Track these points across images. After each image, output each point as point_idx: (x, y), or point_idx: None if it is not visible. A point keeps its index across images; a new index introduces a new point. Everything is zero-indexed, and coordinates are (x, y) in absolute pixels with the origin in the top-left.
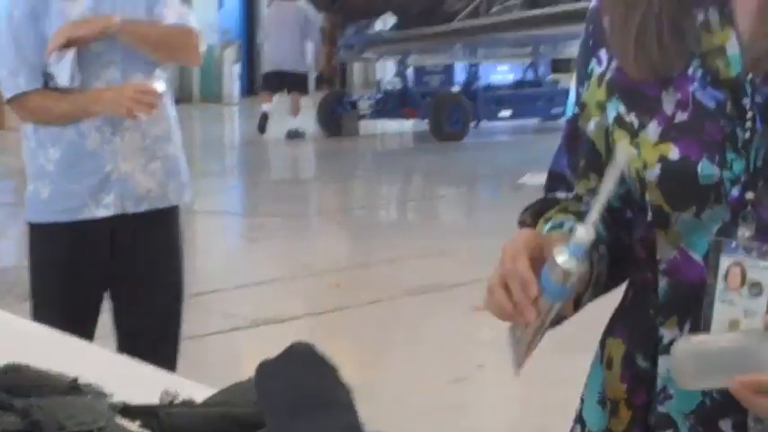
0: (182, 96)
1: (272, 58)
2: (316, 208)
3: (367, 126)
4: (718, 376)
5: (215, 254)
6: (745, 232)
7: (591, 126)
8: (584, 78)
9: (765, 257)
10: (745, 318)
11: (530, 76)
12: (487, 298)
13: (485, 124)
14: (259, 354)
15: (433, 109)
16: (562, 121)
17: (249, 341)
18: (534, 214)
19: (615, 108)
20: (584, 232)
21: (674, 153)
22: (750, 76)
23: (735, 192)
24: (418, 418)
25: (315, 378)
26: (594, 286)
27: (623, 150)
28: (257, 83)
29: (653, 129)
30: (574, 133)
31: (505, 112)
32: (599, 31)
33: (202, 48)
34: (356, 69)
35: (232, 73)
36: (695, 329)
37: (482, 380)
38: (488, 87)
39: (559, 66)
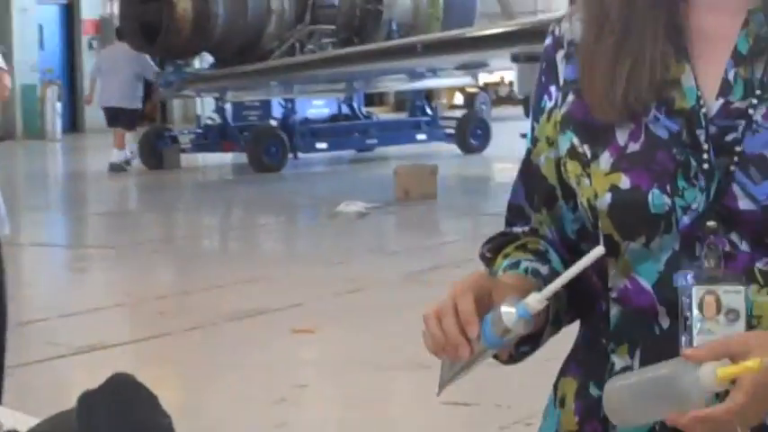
0: (5, 134)
1: (103, 95)
2: (139, 238)
3: (188, 159)
4: (648, 409)
5: (41, 284)
6: (711, 260)
7: (542, 160)
8: (537, 114)
9: (736, 282)
10: None
11: (344, 109)
12: (424, 328)
13: (302, 156)
14: (83, 381)
15: (252, 142)
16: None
17: (74, 369)
18: (494, 249)
19: (569, 140)
20: (536, 302)
21: (624, 183)
22: (704, 108)
23: (686, 220)
24: None
25: (135, 409)
26: (554, 324)
27: (598, 248)
28: (80, 120)
29: (605, 159)
30: (528, 167)
31: (322, 145)
32: (550, 68)
33: (8, 83)
34: (176, 105)
35: (54, 110)
36: (645, 356)
37: (303, 400)
38: (305, 121)
39: (373, 99)
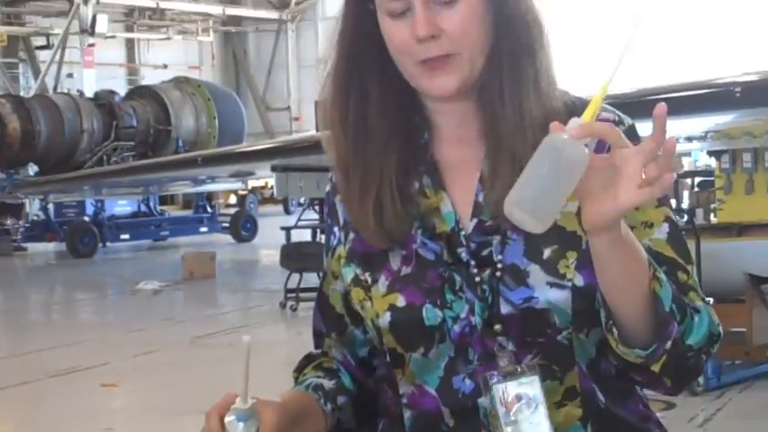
0: None
1: None
2: None
3: (19, 248)
4: (551, 188)
5: None
6: (503, 359)
7: (330, 291)
8: (327, 251)
9: (525, 374)
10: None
11: (143, 208)
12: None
13: (110, 245)
14: None
15: (69, 234)
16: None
17: None
18: (298, 370)
19: (353, 271)
20: (240, 402)
21: (400, 301)
22: (463, 229)
23: (457, 329)
24: None
25: None
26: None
27: (246, 343)
28: None
29: (382, 283)
30: (322, 296)
31: (125, 236)
32: (332, 211)
33: None
34: None
35: None
36: None
37: None
38: (111, 217)
39: (165, 199)
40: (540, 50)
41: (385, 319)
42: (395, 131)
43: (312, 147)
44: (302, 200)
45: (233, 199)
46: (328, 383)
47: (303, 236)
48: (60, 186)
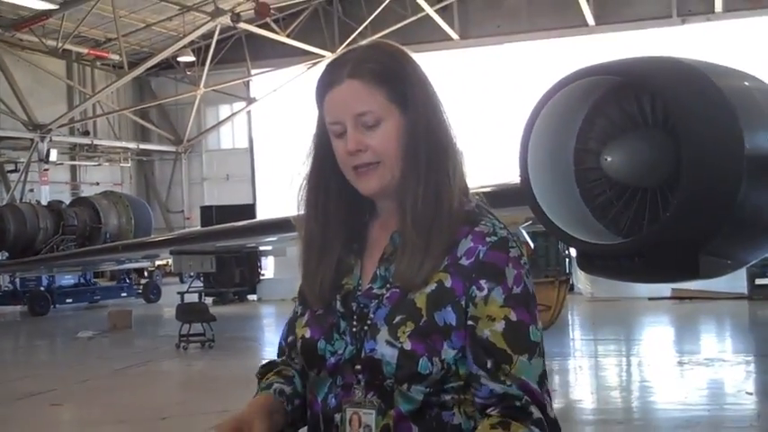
0: None
1: None
2: None
3: None
4: None
5: None
6: (357, 392)
7: (292, 318)
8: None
9: (366, 407)
10: None
11: (82, 280)
12: None
13: (59, 306)
14: None
15: (30, 299)
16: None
17: None
18: (262, 373)
19: (298, 305)
20: None
21: (308, 333)
22: (359, 291)
23: (332, 360)
24: None
25: None
26: (293, 426)
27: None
28: None
29: (304, 318)
30: (293, 315)
31: (69, 300)
32: None
33: None
34: None
35: None
36: None
37: None
38: (60, 287)
39: (98, 274)
40: (444, 163)
41: (299, 344)
42: (345, 216)
43: (198, 237)
44: (191, 273)
45: (145, 273)
46: (287, 389)
47: (192, 298)
48: (23, 267)
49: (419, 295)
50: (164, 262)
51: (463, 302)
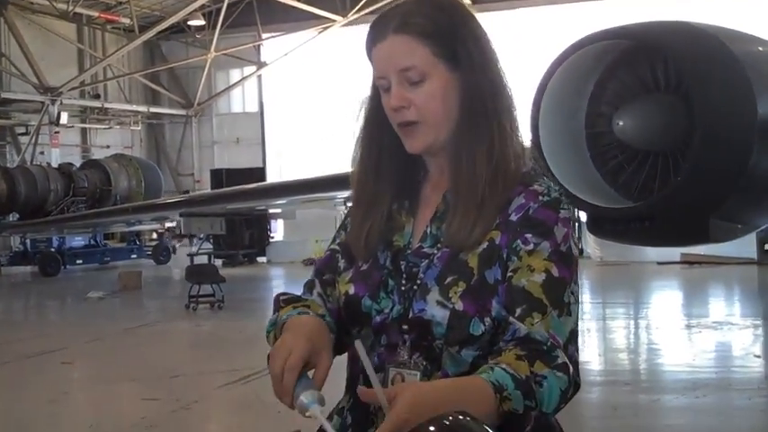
0: None
1: None
2: None
3: (9, 270)
4: None
5: None
6: (402, 353)
7: (327, 258)
8: (341, 230)
9: (410, 368)
10: None
11: (92, 242)
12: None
13: (69, 267)
14: None
15: (41, 260)
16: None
17: None
18: (287, 301)
19: (342, 255)
20: (319, 412)
21: (352, 289)
22: (409, 249)
23: (378, 319)
24: None
25: None
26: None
27: (357, 342)
28: None
29: (347, 273)
30: (332, 250)
31: (80, 261)
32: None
33: None
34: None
35: None
36: (357, 401)
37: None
38: (70, 248)
39: (108, 236)
40: (499, 123)
41: (342, 299)
42: (397, 171)
43: (207, 200)
44: (201, 235)
45: (154, 235)
46: (330, 321)
47: (202, 259)
48: (34, 228)
49: (471, 255)
50: (174, 224)
51: (505, 255)
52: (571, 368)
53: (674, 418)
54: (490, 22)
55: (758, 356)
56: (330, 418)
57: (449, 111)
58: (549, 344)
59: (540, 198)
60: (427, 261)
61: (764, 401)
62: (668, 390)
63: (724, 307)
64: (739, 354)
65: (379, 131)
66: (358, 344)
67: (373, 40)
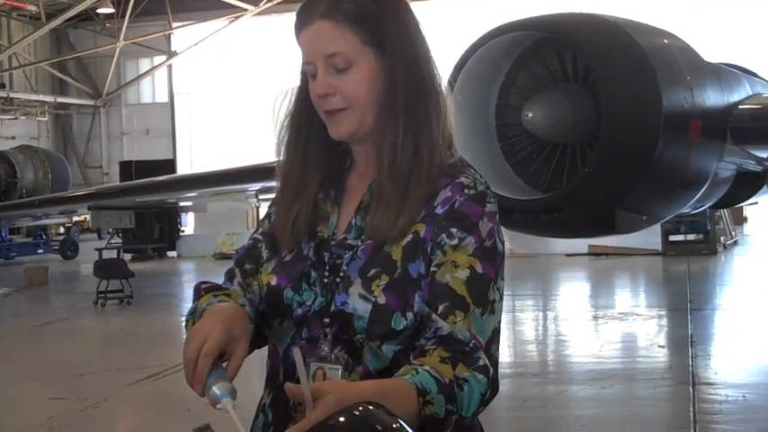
0: None
1: None
2: None
3: None
4: None
5: None
6: (323, 346)
7: (251, 245)
8: (265, 219)
9: (332, 362)
10: None
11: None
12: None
13: None
14: None
15: None
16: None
17: None
18: (208, 289)
19: (265, 245)
20: (231, 406)
21: (274, 280)
22: (334, 240)
23: (299, 311)
24: None
25: None
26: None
27: (296, 350)
28: None
29: (270, 264)
30: (254, 240)
31: None
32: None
33: None
34: None
35: None
36: (275, 395)
37: None
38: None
39: (13, 230)
40: (425, 113)
41: (264, 290)
42: (324, 159)
43: (116, 193)
44: (110, 230)
45: (62, 229)
46: (250, 310)
47: (111, 254)
48: None
49: (395, 248)
50: (81, 218)
51: (429, 249)
52: (491, 370)
53: (581, 408)
54: (426, 10)
55: (662, 347)
56: (256, 416)
57: (375, 98)
58: (471, 345)
59: (466, 191)
60: (351, 253)
61: (669, 390)
62: (576, 380)
63: (630, 298)
64: (644, 344)
65: (308, 118)
66: (297, 352)
67: (301, 24)
